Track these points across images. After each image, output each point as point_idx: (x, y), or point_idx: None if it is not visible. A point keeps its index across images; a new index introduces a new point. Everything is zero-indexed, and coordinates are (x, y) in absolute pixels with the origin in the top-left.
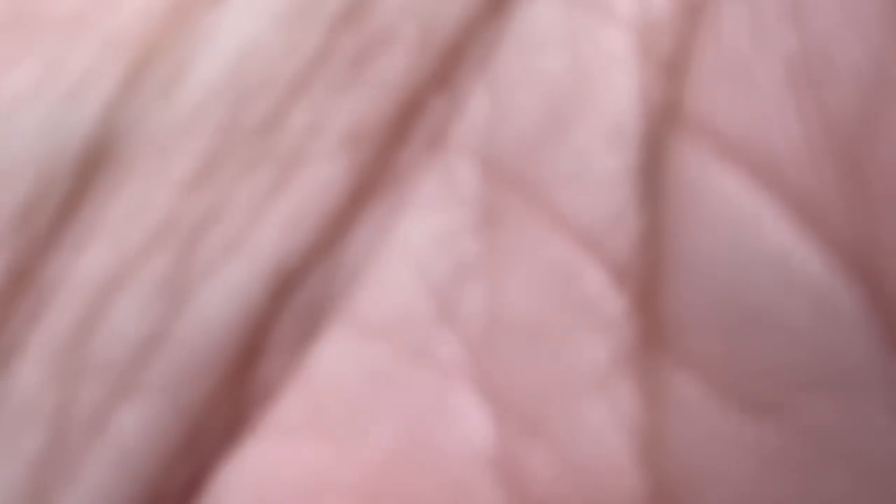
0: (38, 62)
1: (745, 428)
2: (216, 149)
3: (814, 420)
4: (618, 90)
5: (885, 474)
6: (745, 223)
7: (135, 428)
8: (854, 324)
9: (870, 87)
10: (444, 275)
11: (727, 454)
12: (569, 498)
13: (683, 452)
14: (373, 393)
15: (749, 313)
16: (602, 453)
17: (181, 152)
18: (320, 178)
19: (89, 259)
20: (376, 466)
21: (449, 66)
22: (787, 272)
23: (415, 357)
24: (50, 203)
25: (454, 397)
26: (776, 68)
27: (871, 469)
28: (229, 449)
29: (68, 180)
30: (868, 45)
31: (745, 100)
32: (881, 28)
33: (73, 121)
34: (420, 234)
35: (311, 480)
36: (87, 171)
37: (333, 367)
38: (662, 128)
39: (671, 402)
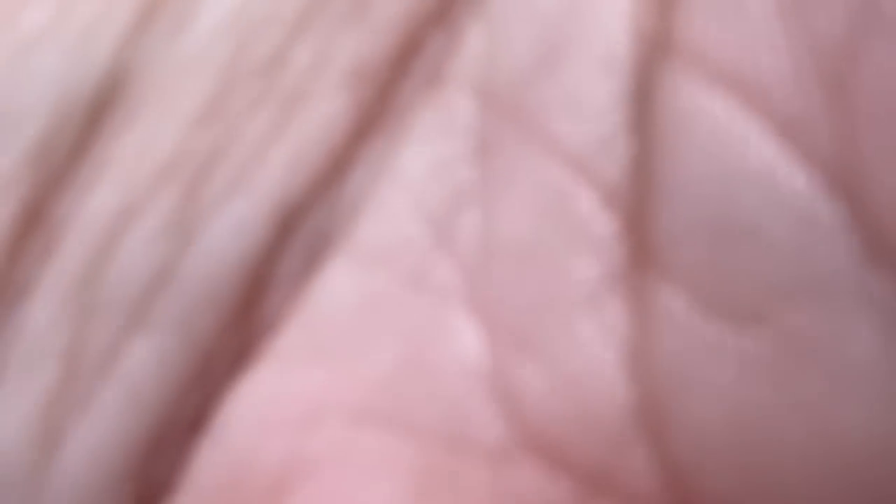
0: (51, 4)
1: (727, 337)
2: (221, 87)
3: (794, 327)
4: (610, 21)
5: (860, 378)
6: (733, 144)
7: (145, 361)
8: (834, 236)
9: (855, 14)
10: (441, 202)
11: (710, 362)
12: (560, 409)
13: (669, 362)
14: (371, 318)
15: (734, 229)
16: (591, 366)
17: (187, 91)
18: (323, 115)
19: (99, 197)
20: (374, 387)
21: (447, 4)
22: (771, 189)
23: (411, 281)
24: (62, 142)
25: (449, 318)
26: None
27: (848, 373)
28: (236, 378)
29: (80, 120)
30: None
31: (734, 27)
32: None
33: (86, 62)
34: (417, 164)
35: (311, 403)
36: (98, 111)
37: (333, 295)
38: (653, 57)
39: (658, 315)
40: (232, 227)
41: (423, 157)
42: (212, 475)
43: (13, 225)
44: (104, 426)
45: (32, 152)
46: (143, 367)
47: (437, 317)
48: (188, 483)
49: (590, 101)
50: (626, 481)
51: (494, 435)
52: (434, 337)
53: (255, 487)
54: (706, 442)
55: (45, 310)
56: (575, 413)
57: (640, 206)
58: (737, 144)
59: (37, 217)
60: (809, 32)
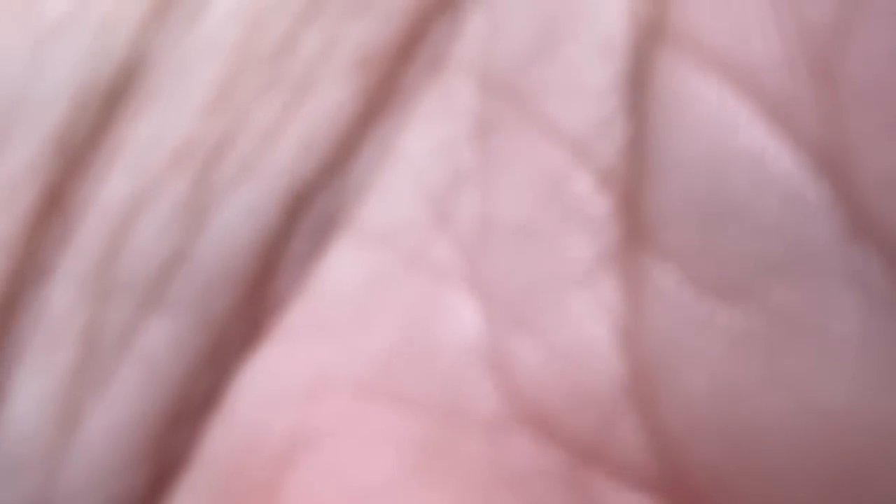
0: None
1: (717, 312)
2: (232, 74)
3: (780, 302)
4: (607, 7)
5: (844, 351)
6: (724, 127)
7: (161, 340)
8: (820, 214)
9: (843, 1)
10: (441, 183)
11: (700, 337)
12: (554, 382)
13: (660, 337)
14: (373, 295)
15: (724, 208)
16: (585, 341)
17: (199, 78)
18: (330, 102)
19: (115, 182)
20: (375, 363)
21: None
22: (760, 169)
23: (412, 260)
24: (81, 129)
25: (448, 296)
26: None
27: (833, 347)
28: (247, 356)
29: (98, 107)
30: None
31: (726, 13)
32: None
33: (105, 50)
34: (419, 146)
35: (315, 379)
36: (115, 98)
37: (338, 274)
38: (649, 41)
39: (650, 291)
40: (243, 210)
41: (425, 139)
42: (223, 448)
43: (34, 210)
44: (122, 404)
45: (52, 139)
46: (158, 345)
47: (436, 294)
48: (201, 457)
49: (587, 84)
50: (617, 452)
51: (491, 408)
52: (433, 314)
53: (263, 459)
54: (695, 414)
55: (64, 292)
56: (569, 386)
57: (634, 186)
58: (727, 126)
59: (56, 202)
60: (799, 18)
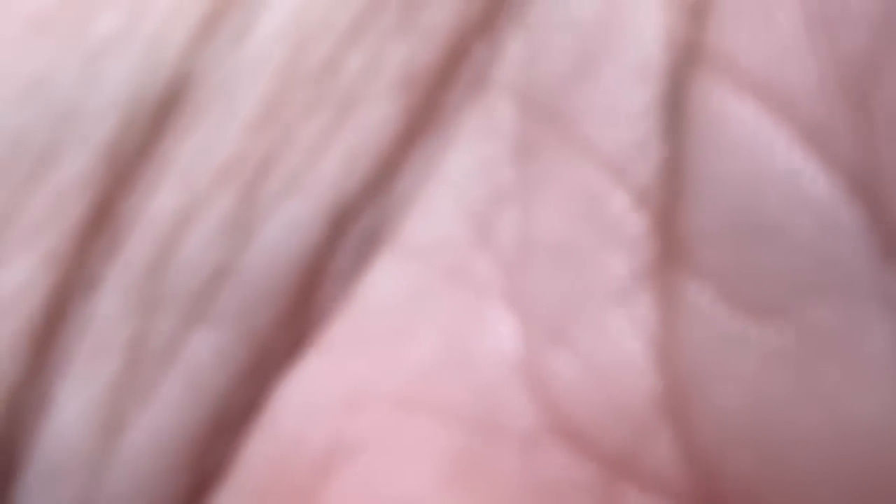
0: (123, 10)
1: (750, 330)
2: (278, 92)
3: (813, 321)
4: (644, 30)
5: (875, 371)
6: (760, 149)
7: (205, 353)
8: (853, 236)
9: (878, 28)
10: (482, 201)
11: (733, 354)
12: (589, 397)
13: (694, 354)
14: (414, 310)
15: (759, 228)
16: (621, 357)
17: (246, 95)
18: (374, 119)
19: (162, 196)
20: (414, 376)
21: (491, 13)
22: (795, 191)
23: (452, 276)
24: (130, 143)
25: (487, 311)
26: (794, 8)
27: (863, 367)
28: (288, 368)
29: (147, 122)
30: None
31: (763, 38)
32: None
33: (154, 66)
34: (461, 165)
35: (355, 392)
36: (164, 114)
37: (380, 289)
38: (686, 65)
39: (685, 309)
40: (288, 225)
41: (466, 159)
42: (262, 457)
43: (83, 222)
44: (165, 414)
45: (102, 153)
46: (202, 358)
47: (475, 309)
48: (240, 466)
49: (624, 106)
50: (650, 466)
51: (526, 422)
52: (472, 329)
53: (301, 468)
54: (728, 429)
55: (110, 303)
56: (603, 401)
57: (670, 206)
58: (763, 149)
59: (105, 215)
60: (834, 45)
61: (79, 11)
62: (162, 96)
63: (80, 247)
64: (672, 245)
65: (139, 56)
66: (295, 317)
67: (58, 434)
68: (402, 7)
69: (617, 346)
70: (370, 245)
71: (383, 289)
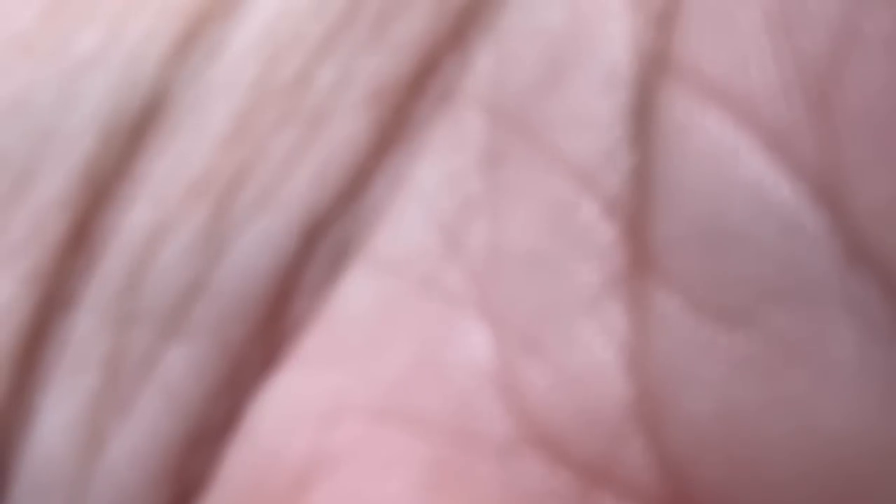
0: (101, 29)
1: (718, 336)
2: (250, 107)
3: (780, 328)
4: (612, 41)
5: (842, 376)
6: (725, 156)
7: (181, 367)
8: (817, 241)
9: (838, 34)
10: (452, 212)
11: (703, 361)
12: (562, 405)
13: (664, 361)
14: (387, 322)
15: (725, 235)
16: (592, 365)
17: (218, 111)
18: (345, 134)
19: (137, 213)
20: (389, 387)
21: (461, 27)
22: (759, 197)
23: (424, 287)
24: (108, 161)
25: (459, 322)
26: (756, 17)
27: (830, 371)
28: (264, 381)
29: (124, 139)
30: None
31: (727, 46)
32: None
33: (131, 84)
34: (430, 176)
35: (331, 403)
36: (140, 132)
37: (352, 301)
38: (653, 73)
39: (654, 317)
40: (260, 239)
41: (436, 170)
42: (241, 472)
43: (62, 241)
44: (144, 428)
45: (81, 171)
46: (179, 371)
47: (447, 320)
48: (219, 480)
49: (592, 115)
50: (624, 473)
51: (501, 431)
52: (445, 339)
53: (280, 482)
54: (699, 436)
55: (88, 319)
56: (576, 409)
57: (639, 214)
58: (728, 156)
59: (83, 232)
60: (795, 51)
61: (57, 32)
62: (139, 114)
63: (59, 264)
64: (641, 253)
65: (117, 75)
66: (269, 329)
67: (38, 450)
68: (372, 21)
69: (589, 354)
70: (342, 257)
71: (356, 301)
